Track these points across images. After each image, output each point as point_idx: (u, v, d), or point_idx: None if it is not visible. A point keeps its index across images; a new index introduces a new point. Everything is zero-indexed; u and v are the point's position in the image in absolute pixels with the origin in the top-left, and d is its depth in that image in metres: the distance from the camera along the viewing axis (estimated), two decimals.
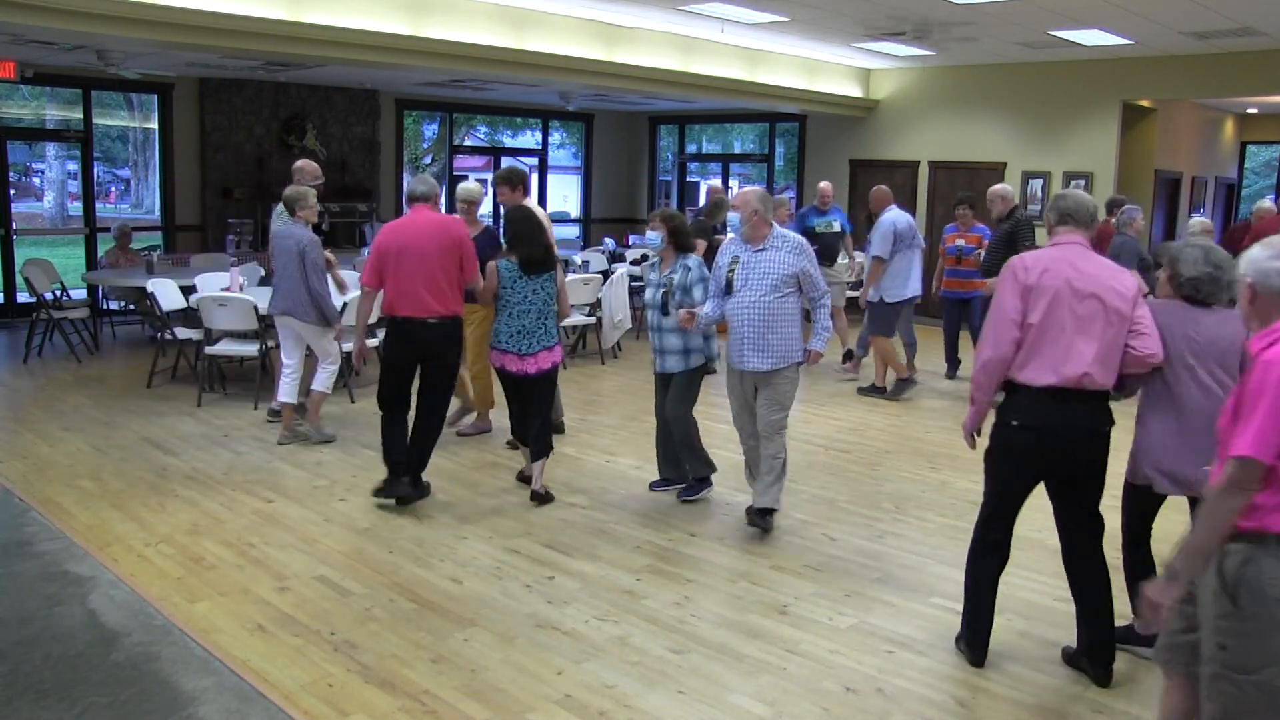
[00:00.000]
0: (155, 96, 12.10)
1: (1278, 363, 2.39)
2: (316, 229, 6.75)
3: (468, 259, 5.48)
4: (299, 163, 7.40)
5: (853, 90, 13.41)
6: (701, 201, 9.91)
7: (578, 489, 5.90)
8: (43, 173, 17.49)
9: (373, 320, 7.65)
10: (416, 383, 5.52)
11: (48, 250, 11.64)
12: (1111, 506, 3.77)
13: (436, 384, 5.54)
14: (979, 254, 8.65)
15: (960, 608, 3.94)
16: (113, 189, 16.96)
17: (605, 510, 5.54)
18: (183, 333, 8.20)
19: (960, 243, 9.01)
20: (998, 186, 8.41)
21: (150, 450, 6.46)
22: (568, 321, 8.48)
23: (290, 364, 6.70)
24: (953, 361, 9.40)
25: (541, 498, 5.59)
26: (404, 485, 5.45)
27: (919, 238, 8.73)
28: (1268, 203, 10.01)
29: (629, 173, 16.79)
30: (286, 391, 6.69)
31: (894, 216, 8.52)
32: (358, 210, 13.08)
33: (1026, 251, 3.97)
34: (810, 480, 6.21)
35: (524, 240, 5.53)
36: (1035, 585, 4.58)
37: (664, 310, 5.54)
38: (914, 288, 8.56)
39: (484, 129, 17.20)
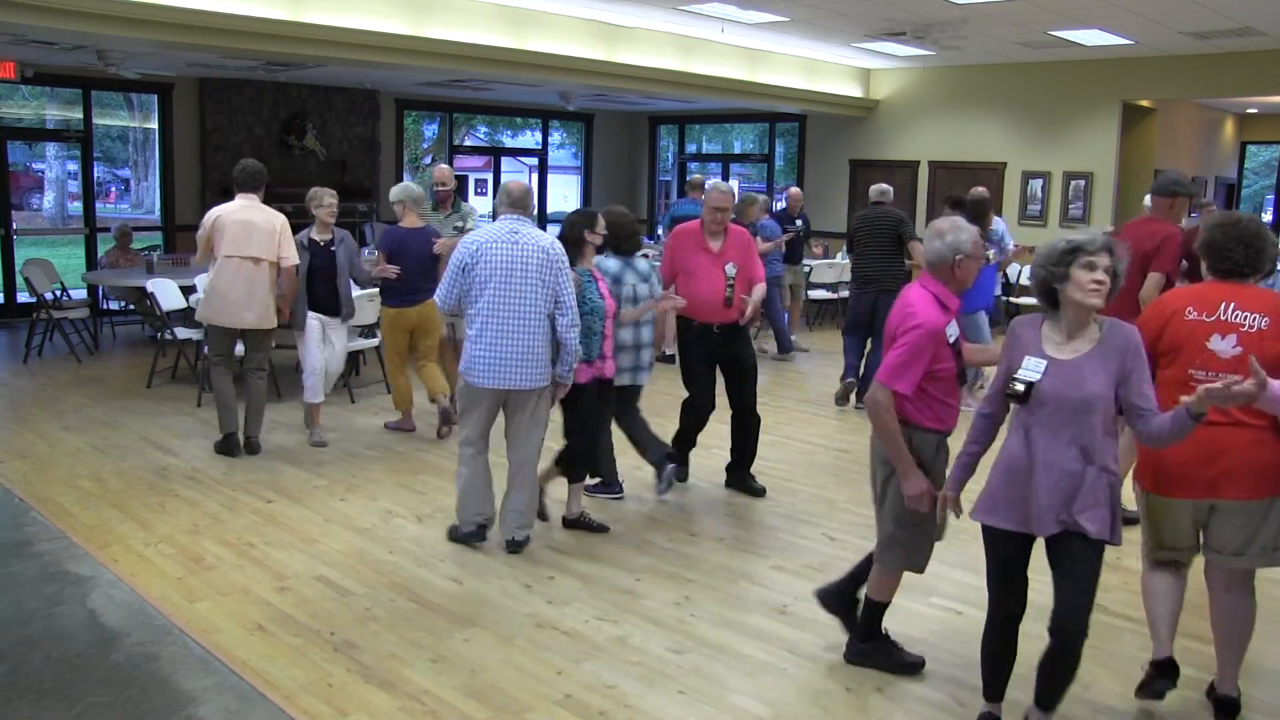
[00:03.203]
0: (155, 96, 12.11)
1: None
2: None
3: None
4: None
5: (853, 90, 13.41)
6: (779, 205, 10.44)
7: None
8: (43, 173, 17.48)
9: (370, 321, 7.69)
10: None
11: (48, 250, 11.65)
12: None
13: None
14: None
15: (959, 607, 3.94)
16: (113, 189, 16.97)
17: (605, 510, 5.53)
18: (183, 333, 8.20)
19: None
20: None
21: (150, 450, 6.46)
22: None
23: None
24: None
25: (567, 522, 5.28)
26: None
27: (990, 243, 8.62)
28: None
29: (629, 173, 16.79)
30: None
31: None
32: (357, 210, 13.09)
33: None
34: (810, 480, 6.21)
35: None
36: (1035, 585, 4.57)
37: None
38: (980, 299, 7.94)
39: (484, 129, 17.20)
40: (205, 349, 7.66)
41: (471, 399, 4.78)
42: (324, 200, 6.60)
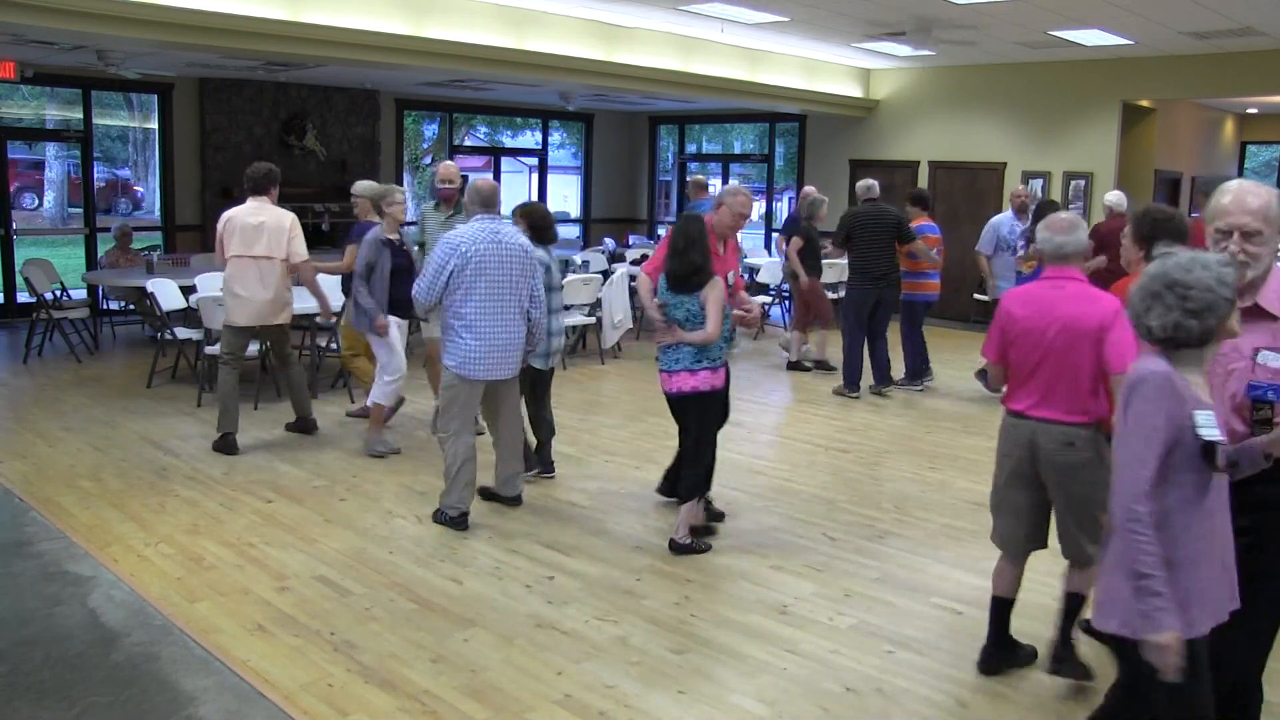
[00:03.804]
0: (155, 96, 12.09)
1: None
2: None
3: None
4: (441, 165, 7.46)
5: (853, 90, 13.41)
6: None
7: (578, 489, 5.90)
8: (43, 173, 17.47)
9: None
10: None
11: (48, 250, 11.64)
12: None
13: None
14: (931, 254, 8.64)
15: (959, 607, 3.94)
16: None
17: (605, 510, 5.54)
18: (183, 333, 8.21)
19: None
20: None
21: (150, 450, 6.46)
22: (567, 321, 8.54)
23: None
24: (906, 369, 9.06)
25: (678, 548, 4.96)
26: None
27: (1008, 240, 8.69)
28: (1113, 196, 9.11)
29: (629, 173, 16.79)
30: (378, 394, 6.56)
31: (1000, 217, 8.97)
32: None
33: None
34: (810, 480, 6.21)
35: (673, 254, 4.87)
36: (1035, 585, 4.57)
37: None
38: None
39: (484, 129, 17.19)
40: (209, 349, 7.70)
41: (462, 391, 5.10)
42: (396, 197, 6.28)
